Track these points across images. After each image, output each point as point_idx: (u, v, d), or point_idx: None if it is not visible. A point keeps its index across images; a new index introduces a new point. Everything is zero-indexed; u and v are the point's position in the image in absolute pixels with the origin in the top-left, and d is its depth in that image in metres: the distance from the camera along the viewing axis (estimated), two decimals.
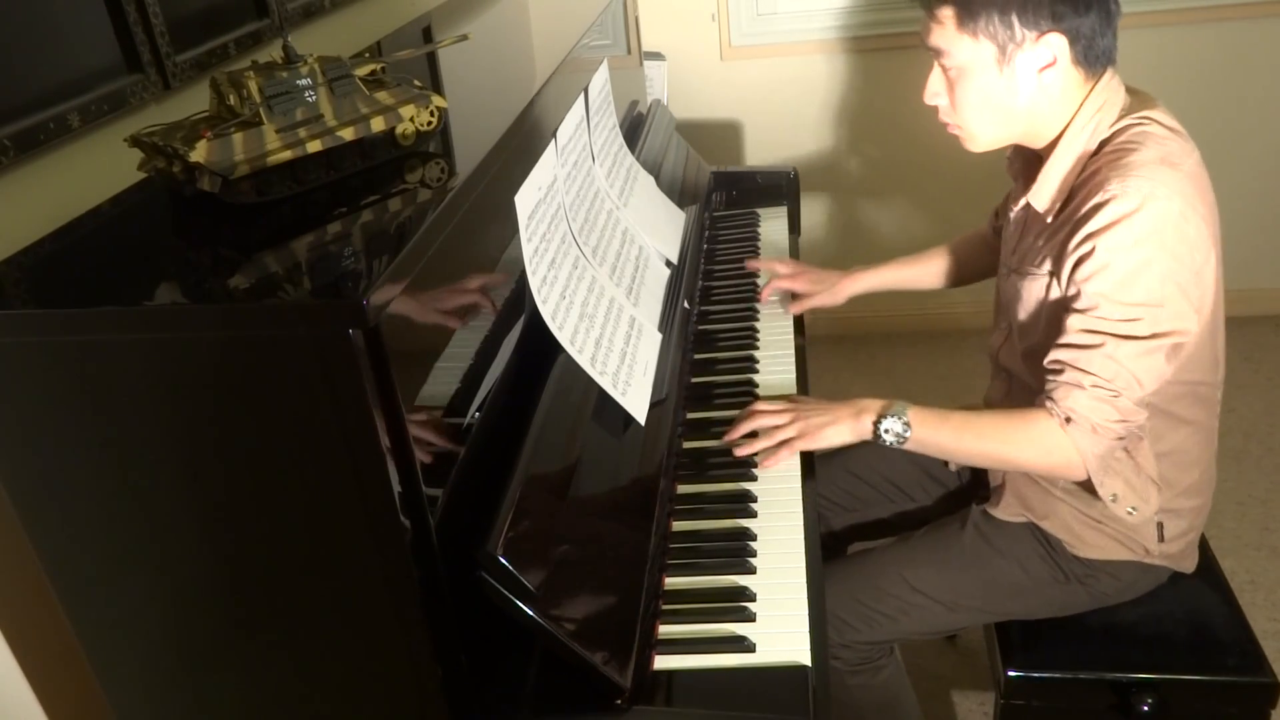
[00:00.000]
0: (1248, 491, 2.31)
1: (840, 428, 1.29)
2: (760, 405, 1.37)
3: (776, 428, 1.32)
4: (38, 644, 1.08)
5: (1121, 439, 1.20)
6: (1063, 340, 1.19)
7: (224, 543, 0.89)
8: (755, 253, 1.96)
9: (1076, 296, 1.18)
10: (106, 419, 0.84)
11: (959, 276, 1.72)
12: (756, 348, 1.63)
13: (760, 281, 1.81)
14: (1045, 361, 1.21)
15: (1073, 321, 1.18)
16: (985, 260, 1.67)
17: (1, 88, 1.01)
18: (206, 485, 0.86)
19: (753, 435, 1.35)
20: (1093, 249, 1.15)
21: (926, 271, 1.73)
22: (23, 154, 1.02)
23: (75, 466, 0.86)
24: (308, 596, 0.91)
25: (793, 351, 1.61)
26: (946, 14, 1.21)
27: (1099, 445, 1.18)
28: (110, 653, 0.97)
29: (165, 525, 0.88)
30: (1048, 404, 1.20)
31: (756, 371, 1.57)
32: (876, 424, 1.27)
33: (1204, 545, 1.46)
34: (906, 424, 1.25)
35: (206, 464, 0.85)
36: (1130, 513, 1.30)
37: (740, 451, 1.33)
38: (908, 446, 1.27)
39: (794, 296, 1.74)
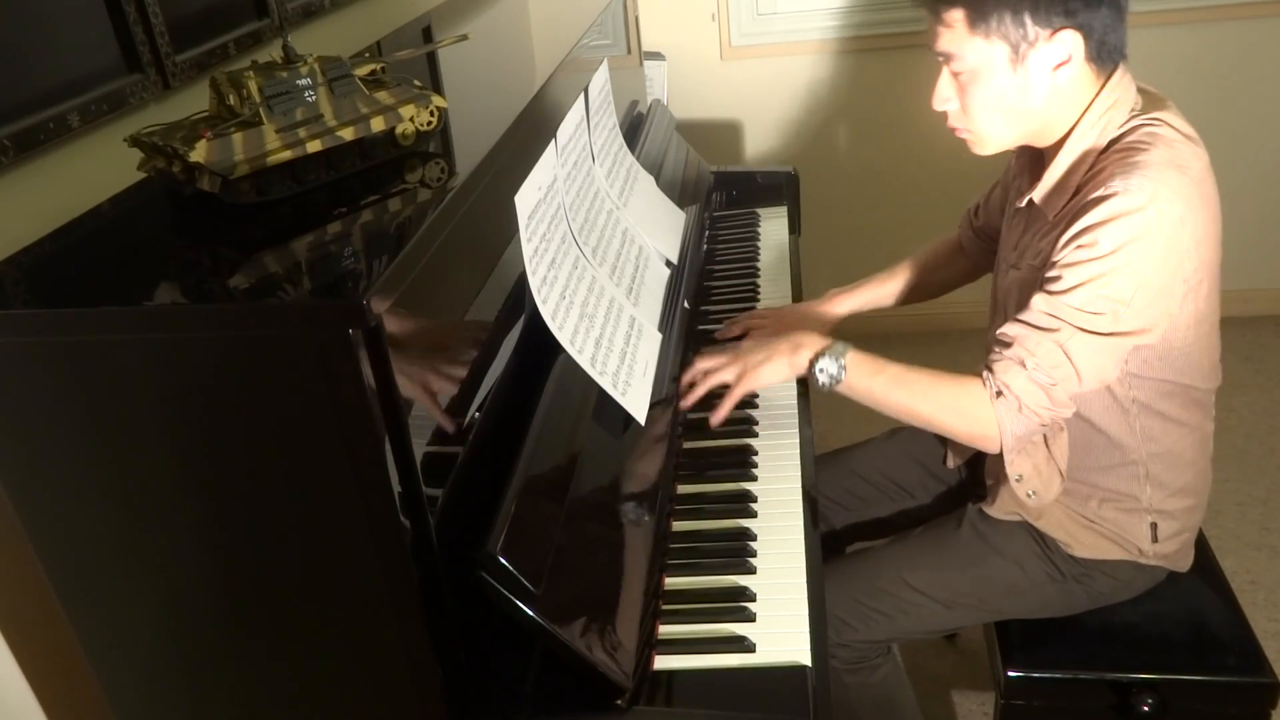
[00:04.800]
0: (1248, 491, 2.31)
1: (778, 363, 1.30)
2: (703, 352, 1.41)
3: (714, 371, 1.35)
4: (38, 644, 1.07)
5: (1045, 425, 1.21)
6: (1023, 316, 1.19)
7: (223, 543, 0.89)
8: (755, 252, 1.96)
9: (1054, 278, 1.16)
10: (106, 419, 0.84)
11: (931, 290, 1.68)
12: None
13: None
14: (997, 331, 1.21)
15: (1038, 301, 1.17)
16: (959, 267, 1.66)
17: (1, 88, 1.01)
18: (206, 485, 0.86)
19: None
20: (1086, 240, 1.14)
21: (899, 287, 1.68)
22: (23, 154, 1.02)
23: (75, 467, 0.86)
24: (308, 596, 0.91)
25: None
26: (956, 16, 1.18)
27: (1020, 426, 1.19)
28: (110, 653, 0.97)
29: (165, 525, 0.88)
30: (985, 374, 1.21)
31: None
32: (814, 362, 1.27)
33: (1204, 545, 1.46)
34: (842, 366, 1.26)
35: (206, 464, 0.85)
36: (1030, 496, 1.31)
37: (683, 403, 1.36)
38: (840, 389, 1.28)
39: None
